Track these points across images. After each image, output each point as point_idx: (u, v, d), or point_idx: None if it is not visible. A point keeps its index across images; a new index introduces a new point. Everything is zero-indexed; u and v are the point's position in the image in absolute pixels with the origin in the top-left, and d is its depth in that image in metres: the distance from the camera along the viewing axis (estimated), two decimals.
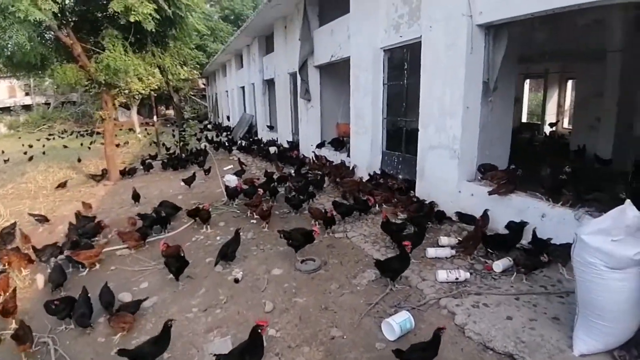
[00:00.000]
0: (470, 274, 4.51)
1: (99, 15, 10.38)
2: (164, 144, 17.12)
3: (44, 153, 17.89)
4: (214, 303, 4.27)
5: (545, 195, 5.07)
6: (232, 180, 9.43)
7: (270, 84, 16.61)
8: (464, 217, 5.81)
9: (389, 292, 4.32)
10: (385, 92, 8.20)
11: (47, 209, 8.71)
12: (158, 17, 9.25)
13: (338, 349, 3.45)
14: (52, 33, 9.95)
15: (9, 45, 9.18)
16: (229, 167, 12.36)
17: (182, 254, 4.86)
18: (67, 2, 9.47)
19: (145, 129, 28.79)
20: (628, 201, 2.84)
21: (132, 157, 16.75)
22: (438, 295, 4.17)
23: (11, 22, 8.03)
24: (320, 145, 11.44)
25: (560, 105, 15.20)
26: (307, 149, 11.99)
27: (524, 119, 17.06)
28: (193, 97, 40.78)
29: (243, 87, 21.24)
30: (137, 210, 7.68)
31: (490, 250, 4.94)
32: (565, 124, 15.04)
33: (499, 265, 4.59)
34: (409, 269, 4.47)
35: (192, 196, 9.01)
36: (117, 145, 18.95)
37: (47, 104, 38.92)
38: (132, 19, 8.73)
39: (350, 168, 9.08)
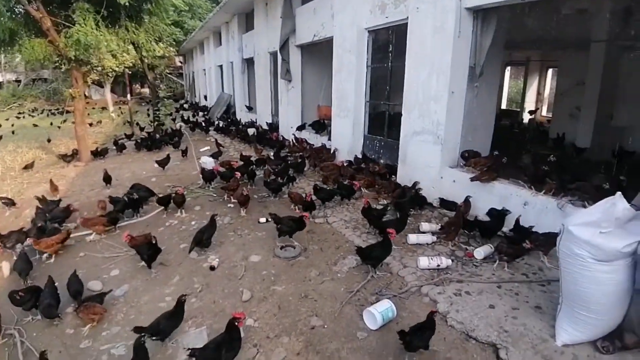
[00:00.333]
0: (452, 260, 4.47)
1: None
2: (138, 124, 16.53)
3: (13, 132, 17.02)
4: (188, 292, 4.05)
5: (528, 183, 5.04)
6: (208, 163, 9.14)
7: (249, 63, 16.11)
8: (445, 204, 5.77)
9: (370, 279, 4.24)
10: (369, 74, 7.99)
11: (14, 191, 8.26)
12: None
13: (318, 339, 3.34)
14: (22, 7, 9.29)
15: None
16: (206, 148, 12.00)
17: (154, 241, 4.58)
18: None
19: (119, 108, 27.74)
20: (619, 193, 2.78)
21: (105, 137, 16.09)
22: (420, 283, 4.10)
23: None
24: (300, 128, 11.19)
25: (539, 93, 15.38)
26: (287, 131, 11.73)
27: (504, 106, 17.22)
28: (169, 75, 39.61)
29: (221, 66, 20.63)
30: (109, 192, 7.31)
31: (469, 232, 4.98)
32: (544, 112, 15.23)
33: (480, 252, 4.57)
34: (390, 256, 4.39)
35: (167, 179, 8.68)
36: (91, 125, 18.29)
37: (18, 81, 37.00)
38: None
39: (331, 152, 8.91)
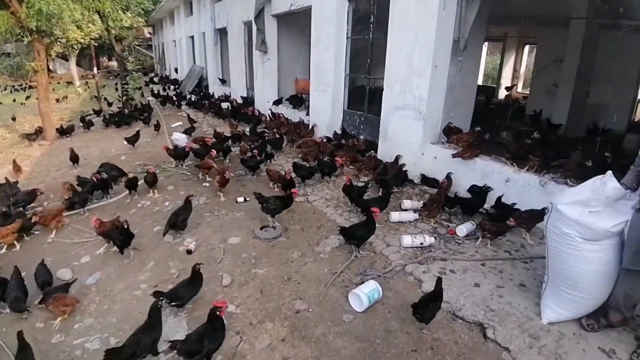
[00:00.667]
0: (435, 238, 4.43)
1: None
2: (105, 99, 15.74)
3: None
4: (164, 278, 3.86)
5: (511, 160, 5.00)
6: (181, 139, 8.74)
7: (222, 33, 15.37)
8: (427, 180, 5.72)
9: (354, 259, 4.15)
10: (349, 46, 7.69)
11: None
12: None
13: (304, 324, 3.23)
14: None
15: None
16: (178, 124, 11.51)
17: (126, 226, 4.27)
18: None
19: (86, 82, 26.29)
20: (609, 172, 2.73)
21: (71, 113, 15.26)
22: (404, 262, 4.05)
23: None
24: (277, 102, 10.82)
25: (515, 70, 15.44)
26: (263, 105, 11.33)
27: (480, 82, 17.24)
28: (138, 47, 37.61)
29: (192, 37, 19.69)
30: (76, 173, 6.88)
31: (449, 209, 5.00)
32: (520, 89, 15.35)
33: (462, 229, 4.56)
34: (373, 234, 4.29)
35: (137, 156, 8.26)
36: (58, 101, 17.27)
37: None
38: None
39: (310, 127, 8.67)
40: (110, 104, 14.82)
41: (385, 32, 6.29)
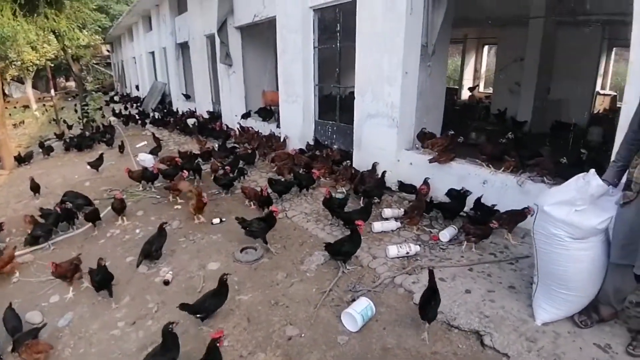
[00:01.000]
0: (420, 246, 4.38)
1: None
2: (65, 121, 15.00)
3: None
4: (143, 313, 3.60)
5: (486, 162, 5.05)
6: (147, 160, 8.39)
7: (184, 47, 15.03)
8: (404, 187, 5.68)
9: (341, 275, 4.02)
10: (317, 56, 7.62)
11: None
12: None
13: (297, 351, 3.07)
14: None
15: None
16: (143, 143, 11.07)
17: (104, 264, 3.82)
18: None
19: (44, 105, 24.95)
20: (592, 170, 2.76)
21: (30, 139, 14.52)
22: (392, 273, 3.96)
23: None
24: (245, 116, 10.60)
25: (477, 70, 15.90)
26: (232, 119, 11.09)
27: None
28: (96, 65, 36.43)
29: (153, 52, 19.16)
30: (38, 203, 6.44)
31: (427, 214, 4.99)
32: (482, 88, 15.81)
33: (445, 234, 4.53)
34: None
35: (102, 181, 7.84)
36: (14, 126, 16.37)
37: None
38: None
39: (282, 139, 8.53)
40: (70, 127, 14.13)
41: (353, 40, 6.26)
